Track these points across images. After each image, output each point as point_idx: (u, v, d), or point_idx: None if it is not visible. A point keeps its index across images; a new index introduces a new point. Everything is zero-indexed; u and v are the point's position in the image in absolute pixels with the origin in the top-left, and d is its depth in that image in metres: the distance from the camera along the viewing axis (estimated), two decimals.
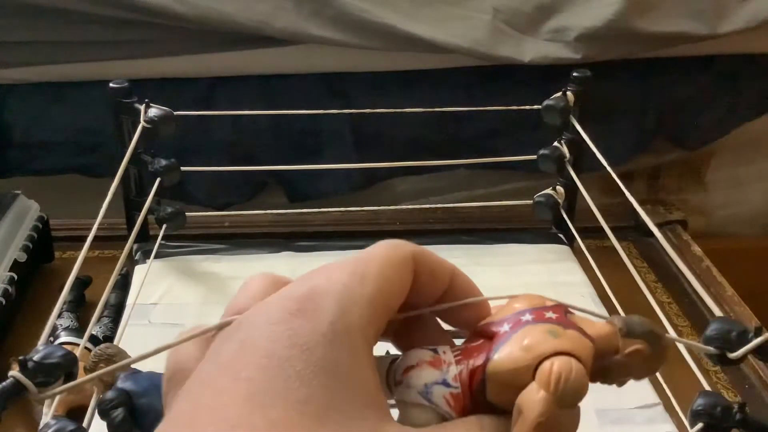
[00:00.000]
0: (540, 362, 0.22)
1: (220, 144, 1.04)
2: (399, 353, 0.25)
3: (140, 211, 0.71)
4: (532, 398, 0.21)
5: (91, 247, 0.56)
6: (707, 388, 0.51)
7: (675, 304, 0.80)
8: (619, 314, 0.24)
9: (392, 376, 0.25)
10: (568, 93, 0.76)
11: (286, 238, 0.84)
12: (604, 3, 0.95)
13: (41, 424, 0.46)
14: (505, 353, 0.22)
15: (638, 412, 0.60)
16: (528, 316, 0.23)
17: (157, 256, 0.75)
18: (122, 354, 0.46)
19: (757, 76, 1.09)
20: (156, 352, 0.26)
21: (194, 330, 0.24)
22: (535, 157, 0.80)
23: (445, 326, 0.27)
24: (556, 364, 0.21)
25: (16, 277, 0.73)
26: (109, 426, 0.46)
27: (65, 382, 0.35)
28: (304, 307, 0.21)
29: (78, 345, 0.61)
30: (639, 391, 0.61)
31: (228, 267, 0.77)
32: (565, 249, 0.81)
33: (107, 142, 0.98)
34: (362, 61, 1.02)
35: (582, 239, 0.78)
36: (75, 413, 0.59)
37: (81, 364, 0.38)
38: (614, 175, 0.65)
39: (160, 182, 0.73)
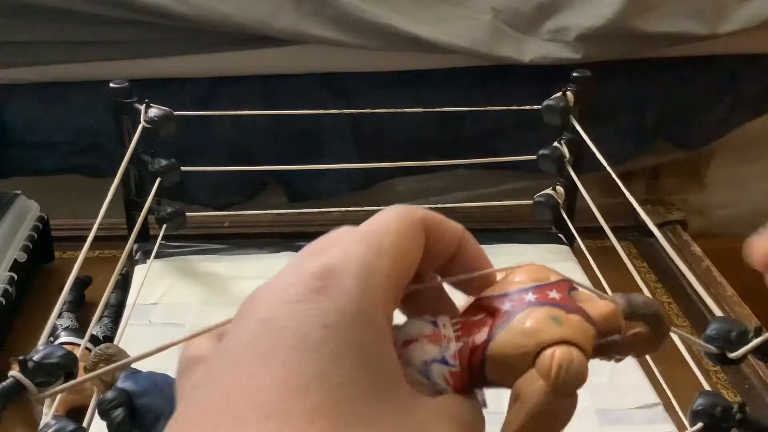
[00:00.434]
0: (541, 350, 0.21)
1: (220, 144, 1.04)
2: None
3: (140, 211, 0.71)
4: (531, 387, 0.21)
5: (91, 247, 0.56)
6: (707, 388, 0.51)
7: (675, 304, 0.80)
8: (623, 293, 0.24)
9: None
10: (568, 93, 0.76)
11: (286, 238, 0.84)
12: (604, 3, 0.95)
13: (41, 424, 0.46)
14: (507, 337, 0.22)
15: (638, 412, 0.60)
16: (531, 296, 0.23)
17: (157, 256, 0.75)
18: (122, 354, 0.46)
19: (757, 76, 1.09)
20: (156, 352, 0.26)
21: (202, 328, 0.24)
22: (534, 157, 0.80)
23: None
24: (558, 355, 0.21)
25: (16, 277, 0.73)
26: (109, 426, 0.46)
27: (65, 382, 0.35)
28: (326, 285, 0.20)
29: (78, 345, 0.61)
30: (639, 391, 0.62)
31: (228, 267, 0.78)
32: (565, 249, 0.81)
33: (107, 142, 0.98)
34: (362, 61, 1.02)
35: (582, 239, 0.78)
36: (75, 413, 0.59)
37: (81, 364, 0.38)
38: (614, 175, 0.65)
39: (160, 182, 0.73)
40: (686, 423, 0.46)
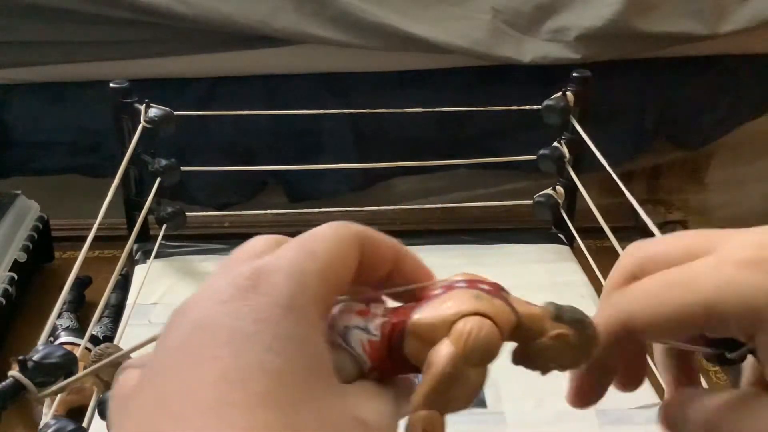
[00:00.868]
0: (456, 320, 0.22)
1: (221, 144, 1.04)
2: None
3: (140, 211, 0.71)
4: (442, 352, 0.22)
5: (91, 247, 0.56)
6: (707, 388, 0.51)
7: None
8: (555, 302, 0.24)
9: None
10: (568, 93, 0.76)
11: None
12: (604, 3, 0.95)
13: (41, 424, 0.46)
14: (428, 311, 0.23)
15: (638, 412, 0.60)
16: (461, 284, 0.24)
17: (157, 256, 0.75)
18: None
19: (757, 76, 1.09)
20: (148, 342, 0.26)
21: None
22: (534, 157, 0.80)
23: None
24: (469, 322, 0.22)
25: (16, 277, 0.73)
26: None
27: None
28: (257, 284, 0.21)
29: (78, 345, 0.61)
30: (639, 391, 0.61)
31: None
32: (565, 249, 0.81)
33: (107, 142, 0.98)
34: (362, 61, 1.02)
35: (582, 239, 0.78)
36: (75, 413, 0.59)
37: (81, 364, 0.38)
38: (614, 176, 0.65)
39: (160, 182, 0.73)
40: None
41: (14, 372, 0.34)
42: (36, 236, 0.80)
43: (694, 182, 1.19)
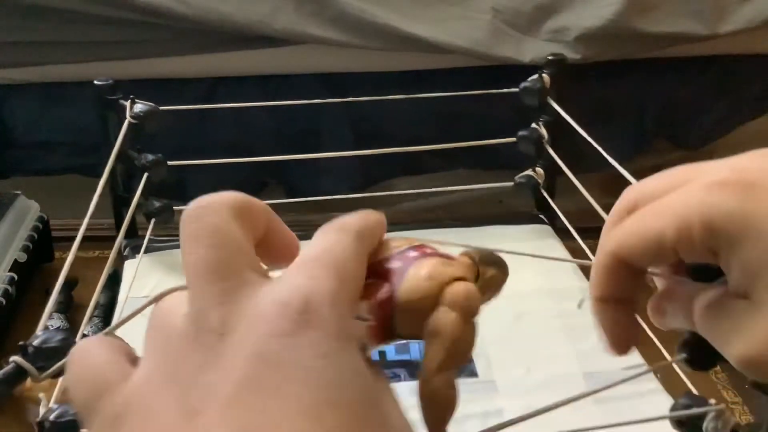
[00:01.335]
0: (442, 289, 0.24)
1: (221, 144, 1.04)
2: None
3: (129, 207, 0.71)
4: (447, 319, 0.24)
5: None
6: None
7: None
8: (472, 249, 0.27)
9: None
10: (544, 75, 0.78)
11: None
12: (604, 3, 0.95)
13: (42, 411, 0.46)
14: (410, 285, 0.25)
15: (625, 373, 0.61)
16: (413, 253, 0.26)
17: (146, 251, 0.75)
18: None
19: (757, 76, 1.09)
20: (129, 319, 0.26)
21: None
22: (514, 139, 0.82)
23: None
24: (462, 287, 0.24)
25: (16, 277, 0.73)
26: None
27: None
28: (309, 318, 0.21)
29: None
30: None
31: None
32: (546, 228, 0.84)
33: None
34: (362, 61, 1.02)
35: (583, 239, 0.78)
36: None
37: None
38: (623, 171, 0.66)
39: (148, 177, 0.73)
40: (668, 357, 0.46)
41: (16, 357, 0.34)
42: (36, 236, 0.80)
43: None
